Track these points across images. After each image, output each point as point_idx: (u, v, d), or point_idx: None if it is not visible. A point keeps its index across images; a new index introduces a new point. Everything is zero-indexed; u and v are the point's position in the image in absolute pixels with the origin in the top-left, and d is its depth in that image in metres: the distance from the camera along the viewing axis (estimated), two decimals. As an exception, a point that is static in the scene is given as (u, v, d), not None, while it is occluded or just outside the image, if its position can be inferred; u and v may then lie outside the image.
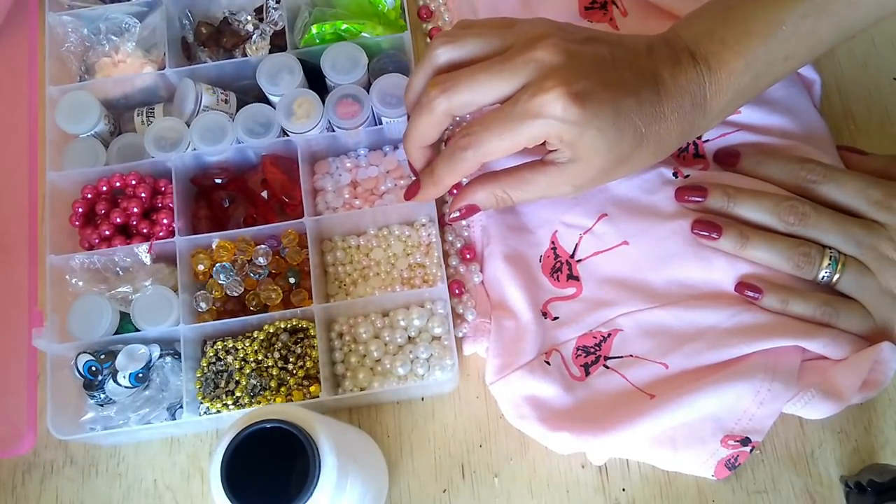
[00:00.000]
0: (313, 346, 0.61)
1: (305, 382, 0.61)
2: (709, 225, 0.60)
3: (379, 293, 0.64)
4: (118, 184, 0.65)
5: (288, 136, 0.66)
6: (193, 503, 0.62)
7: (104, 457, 0.63)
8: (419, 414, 0.63)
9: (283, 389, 0.61)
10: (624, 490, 0.60)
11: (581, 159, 0.54)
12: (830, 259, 0.58)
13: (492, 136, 0.53)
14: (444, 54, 0.56)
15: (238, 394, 0.60)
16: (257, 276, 0.64)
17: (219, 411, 0.60)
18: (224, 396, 0.60)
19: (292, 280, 0.63)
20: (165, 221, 0.64)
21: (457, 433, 0.62)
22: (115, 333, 0.62)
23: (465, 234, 0.66)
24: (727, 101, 0.57)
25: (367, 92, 0.66)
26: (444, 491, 0.61)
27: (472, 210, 0.59)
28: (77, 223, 0.65)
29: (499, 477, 0.61)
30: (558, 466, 0.61)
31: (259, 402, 0.60)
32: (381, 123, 0.67)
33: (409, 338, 0.63)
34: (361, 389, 0.61)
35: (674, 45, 0.57)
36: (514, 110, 0.52)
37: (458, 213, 0.60)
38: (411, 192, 0.61)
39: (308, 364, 0.61)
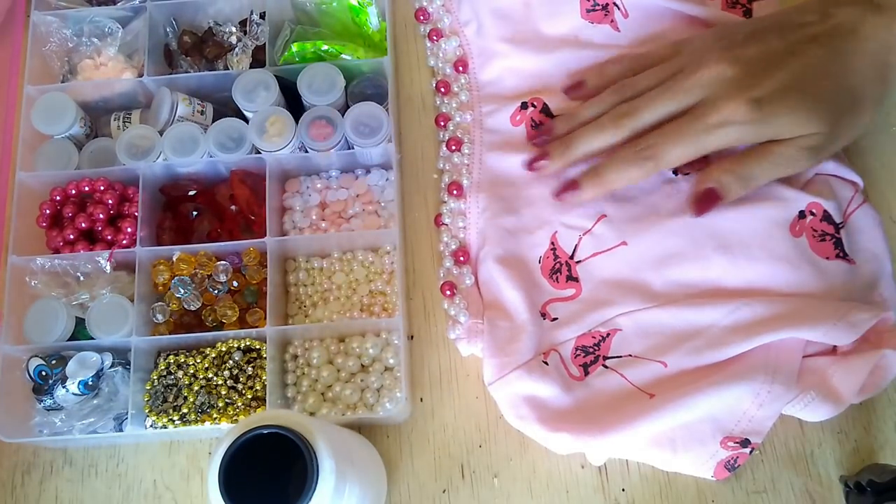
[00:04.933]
0: (265, 368, 0.61)
1: (254, 404, 0.61)
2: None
3: (337, 318, 0.63)
4: (87, 188, 0.65)
5: (259, 152, 0.65)
6: None
7: (104, 457, 0.63)
8: (419, 414, 0.63)
9: (230, 410, 0.60)
10: (624, 490, 0.60)
11: (797, 138, 0.57)
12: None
13: (675, 149, 0.58)
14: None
15: (185, 410, 0.60)
16: (216, 291, 0.63)
17: (164, 426, 0.60)
18: (171, 411, 0.60)
19: (249, 299, 0.63)
20: (129, 230, 0.64)
21: (456, 433, 0.62)
22: (69, 339, 0.62)
23: (462, 235, 0.66)
24: None
25: (344, 115, 0.65)
26: (444, 491, 0.61)
27: (712, 197, 0.60)
28: (44, 224, 0.65)
29: (498, 477, 0.61)
30: (558, 467, 0.61)
31: (205, 421, 0.60)
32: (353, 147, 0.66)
33: (363, 366, 0.63)
34: (312, 414, 0.61)
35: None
36: (696, 125, 0.57)
37: (698, 204, 0.60)
38: (566, 191, 0.62)
39: (258, 386, 0.61)
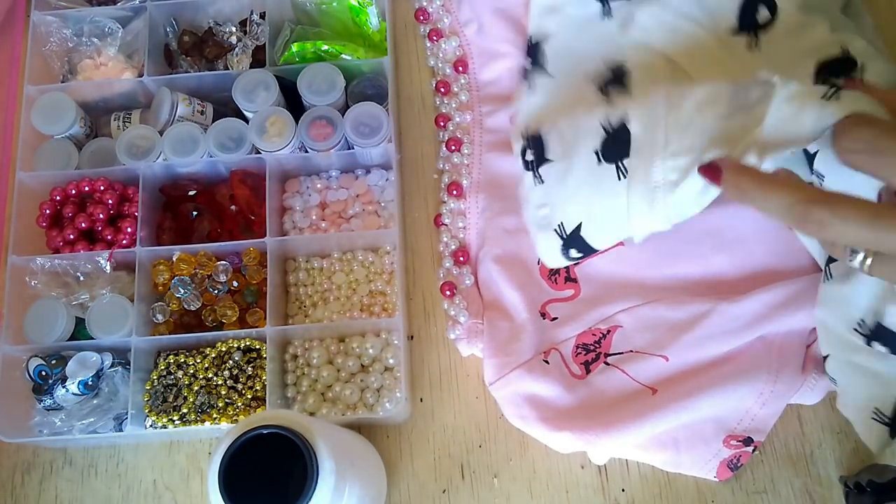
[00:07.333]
0: (265, 368, 0.61)
1: (254, 404, 0.60)
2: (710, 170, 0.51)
3: (337, 317, 0.63)
4: (87, 188, 0.65)
5: (259, 152, 0.65)
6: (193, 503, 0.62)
7: (104, 457, 0.63)
8: (419, 414, 0.63)
9: (230, 410, 0.60)
10: (623, 490, 0.60)
11: None
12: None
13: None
14: None
15: (185, 410, 0.60)
16: (216, 291, 0.63)
17: (164, 426, 0.60)
18: (171, 411, 0.60)
19: (249, 299, 0.63)
20: (129, 230, 0.64)
21: (456, 433, 0.62)
22: (69, 339, 0.62)
23: (461, 236, 0.66)
24: None
25: (344, 115, 0.65)
26: (444, 491, 0.61)
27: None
28: (44, 224, 0.65)
29: (498, 477, 0.61)
30: (558, 467, 0.61)
31: (205, 421, 0.60)
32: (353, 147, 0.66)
33: (363, 366, 0.63)
34: (312, 414, 0.61)
35: None
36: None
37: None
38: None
39: (258, 386, 0.61)
